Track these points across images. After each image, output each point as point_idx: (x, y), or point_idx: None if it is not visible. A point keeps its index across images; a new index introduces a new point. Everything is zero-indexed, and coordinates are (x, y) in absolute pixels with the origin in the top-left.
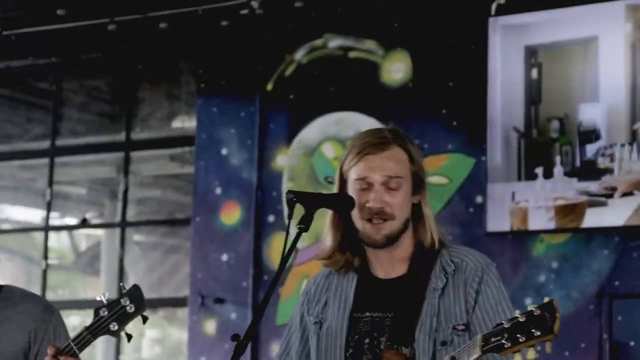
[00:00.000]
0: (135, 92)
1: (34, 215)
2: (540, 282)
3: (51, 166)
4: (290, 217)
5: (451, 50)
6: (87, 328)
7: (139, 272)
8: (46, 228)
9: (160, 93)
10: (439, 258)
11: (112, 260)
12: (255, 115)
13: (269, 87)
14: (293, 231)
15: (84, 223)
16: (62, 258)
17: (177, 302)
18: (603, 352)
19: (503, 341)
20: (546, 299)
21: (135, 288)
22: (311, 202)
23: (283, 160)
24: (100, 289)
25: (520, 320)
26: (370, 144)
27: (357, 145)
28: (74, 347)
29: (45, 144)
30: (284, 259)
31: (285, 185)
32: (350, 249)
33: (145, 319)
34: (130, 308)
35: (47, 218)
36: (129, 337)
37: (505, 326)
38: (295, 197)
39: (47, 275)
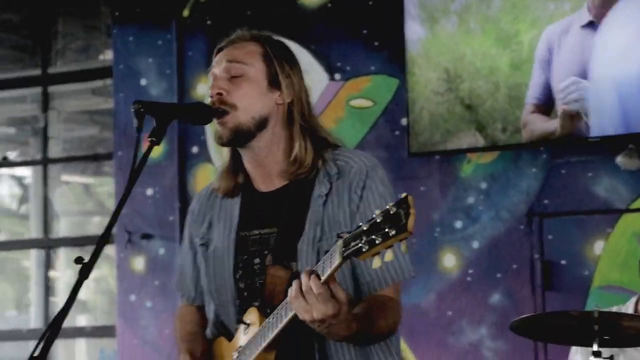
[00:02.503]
0: (52, 25)
1: None
2: (469, 203)
3: None
4: (139, 129)
5: None
6: None
7: (68, 211)
8: None
9: (78, 25)
10: (323, 162)
11: (38, 199)
12: (173, 43)
13: (185, 13)
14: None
15: (4, 161)
16: None
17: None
18: (535, 272)
19: (361, 244)
20: (402, 195)
21: None
22: (162, 113)
23: (203, 88)
24: (31, 228)
25: (378, 220)
26: (225, 41)
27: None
28: None
29: None
30: (135, 172)
31: None
32: (239, 170)
33: None
34: None
35: None
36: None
37: (364, 228)
38: (144, 107)
39: None
